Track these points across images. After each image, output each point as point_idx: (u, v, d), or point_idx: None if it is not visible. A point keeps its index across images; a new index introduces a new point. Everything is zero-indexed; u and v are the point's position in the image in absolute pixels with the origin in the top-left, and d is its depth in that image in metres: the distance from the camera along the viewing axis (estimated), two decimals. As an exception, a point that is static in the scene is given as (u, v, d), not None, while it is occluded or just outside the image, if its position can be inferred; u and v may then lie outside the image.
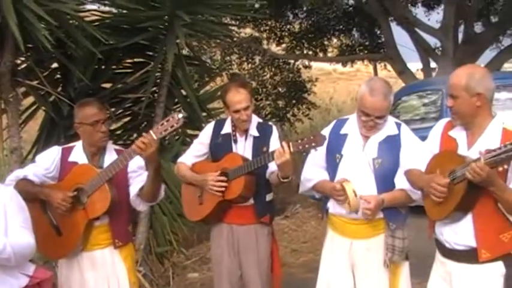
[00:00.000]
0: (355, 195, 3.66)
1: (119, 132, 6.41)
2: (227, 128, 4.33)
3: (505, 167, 3.03)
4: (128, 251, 4.02)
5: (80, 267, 3.91)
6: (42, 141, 5.76)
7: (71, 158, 3.92)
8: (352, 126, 3.94)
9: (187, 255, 8.02)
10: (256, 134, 4.28)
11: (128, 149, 3.76)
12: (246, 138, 4.28)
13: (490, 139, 3.22)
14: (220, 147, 4.31)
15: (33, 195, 3.80)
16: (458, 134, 3.38)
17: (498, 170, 3.02)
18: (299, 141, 3.79)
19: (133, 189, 3.92)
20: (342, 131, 3.96)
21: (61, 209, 3.76)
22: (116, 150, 3.99)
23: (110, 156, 3.90)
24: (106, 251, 3.91)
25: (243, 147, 4.27)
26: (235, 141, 4.29)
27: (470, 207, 3.22)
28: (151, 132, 3.62)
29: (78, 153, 3.93)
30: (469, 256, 3.28)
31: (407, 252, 3.89)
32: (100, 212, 3.78)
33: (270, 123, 4.56)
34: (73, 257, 3.91)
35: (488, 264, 3.24)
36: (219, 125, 4.40)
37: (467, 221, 3.25)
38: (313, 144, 3.73)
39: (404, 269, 3.92)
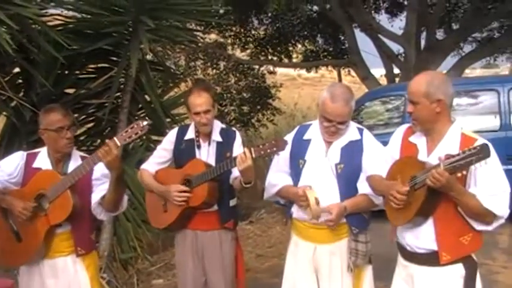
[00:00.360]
0: (317, 203, 3.68)
1: (82, 138, 6.36)
2: (190, 134, 4.32)
3: (464, 172, 3.09)
4: (91, 259, 3.97)
5: (41, 274, 3.84)
6: (4, 147, 5.69)
7: (35, 164, 3.86)
8: (315, 131, 3.96)
9: (152, 262, 7.96)
10: (220, 140, 4.27)
11: (91, 156, 3.72)
12: (209, 144, 4.27)
13: (449, 145, 3.27)
14: (183, 153, 4.29)
15: None
16: (419, 140, 3.42)
17: (457, 176, 3.08)
18: (260, 146, 3.80)
19: (95, 197, 3.86)
20: (305, 137, 3.98)
21: (22, 218, 3.71)
22: (81, 156, 3.93)
23: (75, 162, 3.84)
24: (68, 259, 3.85)
25: (207, 153, 4.25)
26: (199, 147, 4.27)
27: (431, 212, 3.27)
28: (115, 138, 3.58)
29: (43, 159, 3.87)
30: (430, 259, 3.33)
31: (371, 256, 3.92)
32: (61, 218, 3.72)
33: (234, 128, 4.55)
34: (34, 264, 3.84)
35: (448, 266, 3.30)
36: (183, 131, 4.38)
37: (428, 225, 3.30)
38: (274, 149, 3.74)
39: (368, 272, 3.95)
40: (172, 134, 4.41)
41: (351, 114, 3.82)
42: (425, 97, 3.27)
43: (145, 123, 3.59)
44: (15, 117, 5.55)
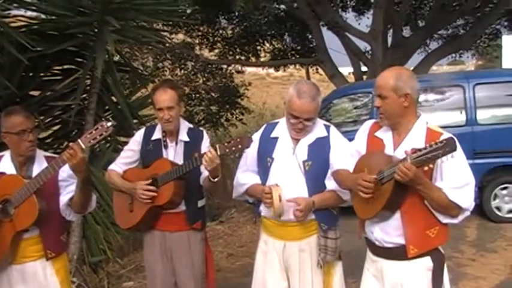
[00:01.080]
0: (280, 200, 3.69)
1: (48, 140, 6.28)
2: (157, 134, 4.29)
3: (431, 166, 3.12)
4: (62, 262, 3.91)
5: (9, 281, 3.77)
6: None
7: None
8: (282, 129, 3.97)
9: (122, 264, 7.91)
10: (187, 140, 4.25)
11: (56, 159, 3.65)
12: (176, 144, 4.24)
13: (415, 139, 3.30)
14: (150, 153, 4.27)
15: None
16: (385, 135, 3.45)
17: (424, 169, 3.11)
18: (226, 144, 3.80)
19: (63, 199, 3.81)
20: (272, 135, 3.99)
21: None
22: (46, 157, 3.86)
23: (40, 165, 3.78)
24: (37, 264, 3.78)
25: (174, 153, 4.23)
26: (166, 147, 4.24)
27: (398, 205, 3.29)
28: (79, 141, 3.54)
29: (6, 163, 3.80)
30: (398, 253, 3.36)
31: (340, 252, 3.93)
32: (27, 223, 3.66)
33: (201, 128, 4.54)
34: (2, 270, 3.77)
35: (416, 259, 3.34)
36: (149, 132, 4.35)
37: (396, 219, 3.33)
38: (239, 146, 3.75)
39: (338, 268, 3.97)
40: (139, 135, 4.38)
41: (318, 110, 3.83)
42: (394, 91, 3.30)
43: (109, 124, 3.55)
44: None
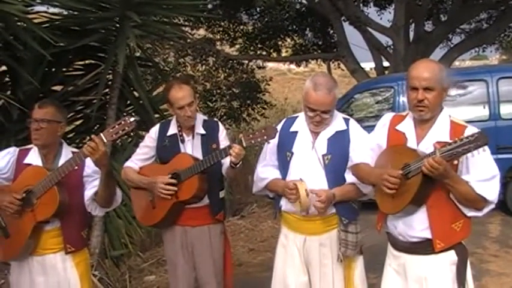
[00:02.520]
0: (307, 194, 3.67)
1: (71, 135, 6.31)
2: (173, 129, 4.29)
3: (460, 160, 3.10)
4: (81, 256, 3.94)
5: (30, 271, 3.82)
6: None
7: (26, 160, 3.84)
8: (301, 123, 3.95)
9: (144, 258, 7.95)
10: (203, 132, 4.24)
11: (77, 152, 3.69)
12: (193, 137, 4.24)
13: (439, 132, 3.27)
14: (167, 149, 4.25)
15: None
16: (407, 128, 3.41)
17: (453, 163, 3.07)
18: (251, 135, 3.79)
19: (88, 193, 3.85)
20: (292, 129, 3.97)
21: (9, 211, 3.70)
22: (73, 152, 3.88)
23: (66, 158, 3.80)
24: (57, 256, 3.83)
25: (191, 146, 4.23)
26: (183, 141, 4.24)
27: (425, 199, 3.25)
28: (101, 135, 3.55)
29: (34, 156, 3.85)
30: (423, 247, 3.33)
31: (362, 246, 3.92)
32: (48, 214, 3.70)
33: (215, 119, 4.53)
34: (24, 261, 3.83)
35: (441, 254, 3.31)
36: (164, 127, 4.34)
37: (421, 213, 3.29)
38: (264, 137, 3.75)
39: (359, 263, 3.95)
40: (153, 131, 4.37)
41: (335, 103, 3.81)
42: (440, 84, 3.25)
43: (132, 119, 3.56)
44: (2, 116, 5.50)
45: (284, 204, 3.94)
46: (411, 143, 3.35)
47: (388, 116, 3.59)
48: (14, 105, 5.35)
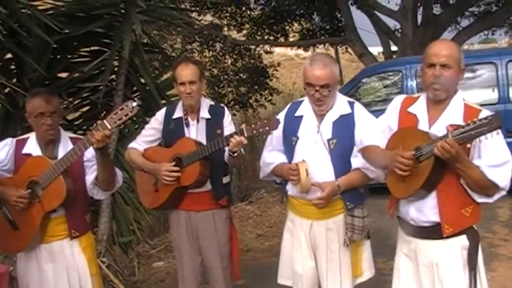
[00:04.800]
0: (307, 174, 3.65)
1: (78, 122, 6.31)
2: (178, 113, 4.29)
3: (473, 144, 3.05)
4: (87, 241, 3.97)
5: (38, 259, 3.84)
6: (-1, 134, 5.63)
7: (25, 150, 3.83)
8: (306, 108, 3.93)
9: (152, 245, 7.98)
10: (208, 117, 4.24)
11: (81, 140, 3.68)
12: (198, 121, 4.24)
13: (453, 115, 3.21)
14: (172, 132, 4.27)
15: None
16: (419, 110, 3.36)
17: (466, 147, 3.02)
18: (252, 125, 3.77)
19: (90, 178, 3.86)
20: (297, 114, 3.95)
21: (19, 206, 3.70)
22: (72, 138, 3.91)
23: (65, 145, 3.83)
24: (64, 242, 3.85)
25: (196, 131, 4.23)
26: (187, 125, 4.24)
27: (436, 184, 3.21)
28: (105, 121, 3.55)
29: (32, 145, 3.85)
30: (432, 232, 3.30)
31: (369, 231, 3.90)
32: (56, 204, 3.71)
33: (222, 104, 4.52)
34: (31, 250, 3.84)
35: (452, 238, 3.28)
36: (170, 110, 4.35)
37: (432, 198, 3.26)
38: (266, 128, 3.72)
39: (366, 248, 3.94)
40: (160, 114, 4.39)
41: (333, 79, 3.77)
42: (458, 63, 3.21)
43: (134, 104, 3.56)
44: (8, 104, 5.48)
45: (290, 188, 3.92)
46: (423, 125, 3.30)
47: (399, 98, 3.54)
48: (20, 92, 5.33)
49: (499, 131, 2.98)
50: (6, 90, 5.59)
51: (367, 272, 3.96)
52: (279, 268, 4.12)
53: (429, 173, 3.13)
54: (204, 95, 4.27)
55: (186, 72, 4.14)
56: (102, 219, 5.83)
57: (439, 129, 3.18)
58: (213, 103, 4.37)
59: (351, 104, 3.90)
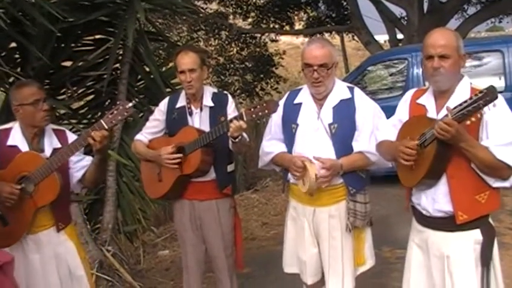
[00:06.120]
0: (316, 179, 3.64)
1: (82, 111, 6.32)
2: (181, 102, 4.28)
3: (473, 119, 2.93)
4: (71, 230, 3.99)
5: (24, 251, 3.80)
6: (3, 123, 5.59)
7: (10, 142, 3.76)
8: (305, 95, 3.92)
9: (157, 233, 8.00)
10: (211, 104, 4.21)
11: (78, 138, 3.69)
12: (201, 110, 4.22)
13: (459, 100, 3.09)
14: (176, 121, 4.25)
15: None
16: (427, 100, 3.32)
17: (466, 124, 2.94)
18: (252, 109, 3.76)
19: (77, 175, 3.88)
20: (296, 101, 3.94)
21: (10, 202, 3.66)
22: (54, 130, 3.90)
23: (50, 138, 3.82)
24: (51, 231, 3.84)
25: (199, 119, 4.21)
26: (191, 114, 4.22)
27: (443, 169, 3.16)
28: (102, 121, 3.58)
29: (17, 137, 3.78)
30: (446, 223, 3.24)
31: (371, 218, 3.89)
32: (49, 200, 3.70)
33: (225, 92, 4.50)
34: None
35: (465, 231, 3.20)
36: (173, 100, 4.34)
37: (443, 185, 3.19)
38: (266, 111, 3.72)
39: (368, 236, 3.93)
40: (163, 104, 4.38)
41: (330, 58, 3.76)
42: (457, 51, 3.17)
43: (130, 104, 3.62)
44: (13, 93, 5.48)
45: (292, 176, 3.90)
46: (431, 113, 3.26)
47: (410, 92, 3.51)
48: (18, 81, 5.32)
49: (508, 109, 2.97)
50: (11, 80, 5.58)
51: (370, 260, 3.96)
52: (283, 256, 4.12)
53: (433, 158, 3.08)
54: (209, 84, 4.25)
55: (185, 60, 4.12)
56: (107, 208, 5.85)
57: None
58: (216, 91, 4.35)
59: (351, 89, 3.90)
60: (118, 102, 3.83)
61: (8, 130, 3.81)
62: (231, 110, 4.20)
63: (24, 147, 3.76)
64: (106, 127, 3.56)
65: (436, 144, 3.05)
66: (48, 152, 3.78)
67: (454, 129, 2.92)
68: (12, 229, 3.74)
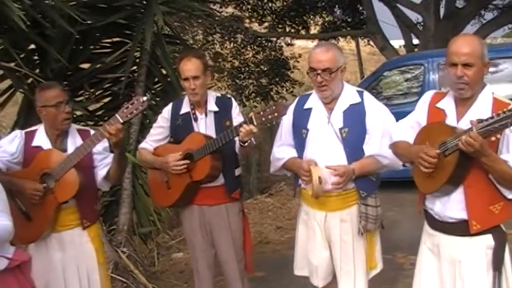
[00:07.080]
0: (320, 182, 3.65)
1: (99, 112, 6.36)
2: (186, 108, 4.24)
3: (498, 136, 2.96)
4: (96, 231, 4.04)
5: (47, 248, 3.89)
6: (21, 124, 5.67)
7: (35, 143, 3.88)
8: (315, 100, 3.92)
9: (172, 236, 8.02)
10: (216, 109, 4.19)
11: (95, 133, 3.74)
12: (206, 115, 4.19)
13: (481, 109, 3.14)
14: (181, 128, 4.22)
15: (3, 184, 3.74)
16: (447, 105, 3.30)
17: (490, 140, 2.95)
18: (261, 113, 3.74)
19: (101, 173, 3.92)
20: (306, 106, 3.94)
21: (34, 199, 3.75)
22: (79, 130, 3.97)
23: (73, 138, 3.90)
24: (75, 232, 3.91)
25: (205, 125, 4.18)
26: (196, 120, 4.19)
27: (462, 179, 3.15)
28: (117, 116, 3.62)
29: (41, 137, 3.89)
30: (459, 228, 3.23)
31: (382, 221, 3.89)
32: (69, 196, 3.77)
33: (229, 95, 4.49)
34: (41, 239, 3.88)
35: (477, 236, 3.20)
36: (177, 106, 4.30)
37: (459, 193, 3.19)
38: (275, 114, 3.68)
39: (378, 239, 3.94)
40: (166, 111, 4.34)
41: (335, 63, 3.75)
42: (481, 59, 3.13)
43: (144, 98, 3.66)
44: (31, 94, 5.51)
45: (302, 181, 3.90)
46: (451, 120, 3.24)
47: (429, 93, 3.48)
48: (42, 83, 5.37)
49: None
50: (29, 81, 5.64)
51: (379, 263, 3.97)
52: (294, 259, 4.12)
53: (454, 168, 3.07)
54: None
55: (188, 67, 4.09)
56: (122, 209, 5.88)
57: (466, 124, 3.08)
58: (219, 95, 4.33)
59: (360, 93, 3.90)
60: (133, 96, 3.87)
61: (34, 132, 3.93)
62: (236, 114, 4.19)
63: (47, 147, 3.86)
64: (121, 121, 3.61)
65: (458, 155, 3.05)
66: (71, 151, 3.83)
67: (479, 144, 2.91)
68: (34, 225, 3.82)
